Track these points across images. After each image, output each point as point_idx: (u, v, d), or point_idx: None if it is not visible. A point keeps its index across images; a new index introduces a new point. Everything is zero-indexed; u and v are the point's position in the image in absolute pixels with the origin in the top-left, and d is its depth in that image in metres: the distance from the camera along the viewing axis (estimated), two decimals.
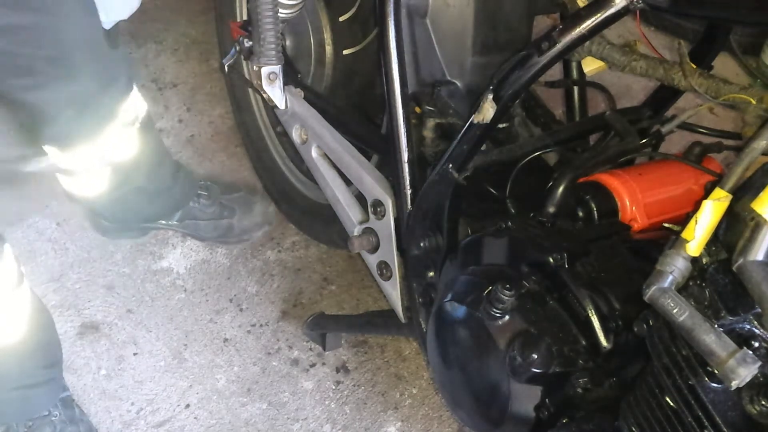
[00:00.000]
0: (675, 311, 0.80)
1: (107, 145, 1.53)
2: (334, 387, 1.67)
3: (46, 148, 1.52)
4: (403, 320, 1.37)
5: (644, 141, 1.20)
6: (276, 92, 1.42)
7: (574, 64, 1.32)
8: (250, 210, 1.88)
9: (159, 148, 1.72)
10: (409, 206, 1.25)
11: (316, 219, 1.80)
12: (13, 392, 1.41)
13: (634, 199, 1.11)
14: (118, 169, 1.60)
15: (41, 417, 1.47)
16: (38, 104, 1.36)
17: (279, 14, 1.33)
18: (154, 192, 1.75)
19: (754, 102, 0.99)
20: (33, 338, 1.38)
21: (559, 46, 0.95)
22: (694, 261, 0.83)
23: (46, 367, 1.45)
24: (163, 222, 1.85)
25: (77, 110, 1.40)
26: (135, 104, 1.55)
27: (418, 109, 1.33)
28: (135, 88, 1.54)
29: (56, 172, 1.63)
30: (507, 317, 1.00)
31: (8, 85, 1.32)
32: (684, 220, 0.83)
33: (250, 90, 1.81)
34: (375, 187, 1.31)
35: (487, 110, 1.02)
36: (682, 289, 0.83)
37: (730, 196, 0.81)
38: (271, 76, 1.39)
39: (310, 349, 1.72)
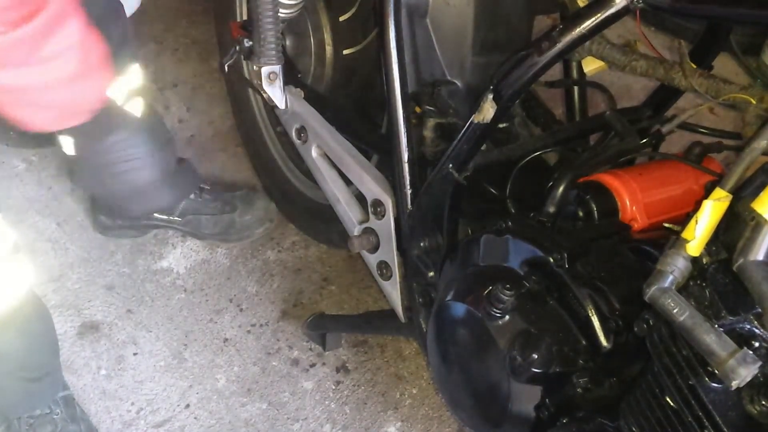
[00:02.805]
0: (675, 311, 0.80)
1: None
2: (334, 387, 1.67)
3: None
4: (403, 320, 1.37)
5: (644, 141, 1.20)
6: (276, 92, 1.42)
7: (574, 64, 1.32)
8: (251, 206, 1.88)
9: (163, 128, 1.72)
10: (409, 206, 1.25)
11: (316, 219, 1.80)
12: (15, 382, 1.41)
13: (635, 198, 1.11)
14: None
15: (43, 415, 1.47)
16: None
17: (279, 14, 1.33)
18: (159, 173, 1.75)
19: (754, 102, 0.98)
20: (35, 324, 1.38)
21: (559, 46, 0.95)
22: (695, 261, 0.83)
23: (48, 358, 1.44)
24: (165, 218, 1.85)
25: None
26: (138, 75, 1.54)
27: (418, 109, 1.33)
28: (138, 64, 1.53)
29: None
30: (507, 317, 1.00)
31: None
32: (684, 220, 0.83)
33: (250, 90, 1.81)
34: (375, 187, 1.31)
35: (487, 110, 1.02)
36: (683, 288, 0.83)
37: (731, 196, 0.81)
38: (271, 75, 1.39)
39: (310, 349, 1.72)
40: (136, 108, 1.58)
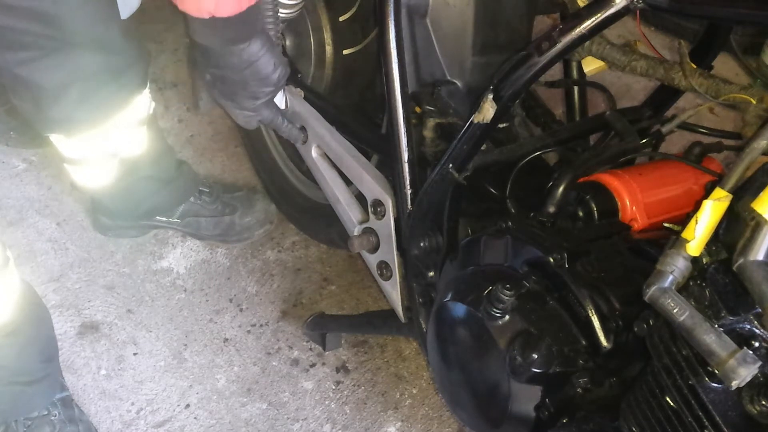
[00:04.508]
0: (675, 311, 0.80)
1: (116, 138, 1.53)
2: (334, 387, 1.67)
3: (52, 137, 1.52)
4: (403, 320, 1.37)
5: (644, 141, 1.20)
6: None
7: (574, 64, 1.32)
8: (251, 208, 1.88)
9: (163, 140, 1.74)
10: (409, 206, 1.25)
11: (316, 219, 1.80)
12: (10, 387, 1.40)
13: (635, 198, 1.11)
14: (125, 161, 1.61)
15: (40, 416, 1.46)
16: (38, 81, 1.35)
17: (279, 14, 1.33)
18: (159, 181, 1.75)
19: (754, 102, 0.99)
20: (28, 329, 1.37)
21: (559, 46, 0.95)
22: (695, 261, 0.83)
23: (43, 361, 1.44)
24: (165, 219, 1.85)
25: (81, 91, 1.38)
26: (148, 103, 1.56)
27: (418, 109, 1.33)
28: (148, 88, 1.54)
29: (63, 162, 1.62)
30: (507, 317, 1.00)
31: (4, 60, 1.31)
32: (684, 219, 0.83)
33: None
34: (375, 187, 1.31)
35: (487, 110, 1.02)
36: (683, 289, 0.83)
37: (731, 196, 0.81)
38: None
39: (310, 349, 1.72)
40: (140, 139, 1.59)
